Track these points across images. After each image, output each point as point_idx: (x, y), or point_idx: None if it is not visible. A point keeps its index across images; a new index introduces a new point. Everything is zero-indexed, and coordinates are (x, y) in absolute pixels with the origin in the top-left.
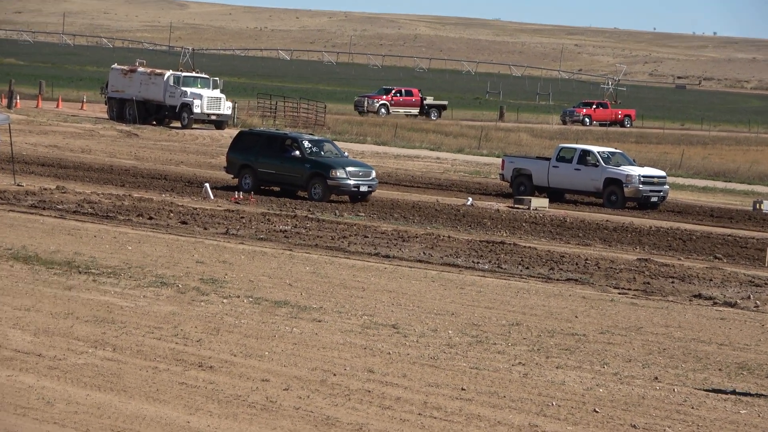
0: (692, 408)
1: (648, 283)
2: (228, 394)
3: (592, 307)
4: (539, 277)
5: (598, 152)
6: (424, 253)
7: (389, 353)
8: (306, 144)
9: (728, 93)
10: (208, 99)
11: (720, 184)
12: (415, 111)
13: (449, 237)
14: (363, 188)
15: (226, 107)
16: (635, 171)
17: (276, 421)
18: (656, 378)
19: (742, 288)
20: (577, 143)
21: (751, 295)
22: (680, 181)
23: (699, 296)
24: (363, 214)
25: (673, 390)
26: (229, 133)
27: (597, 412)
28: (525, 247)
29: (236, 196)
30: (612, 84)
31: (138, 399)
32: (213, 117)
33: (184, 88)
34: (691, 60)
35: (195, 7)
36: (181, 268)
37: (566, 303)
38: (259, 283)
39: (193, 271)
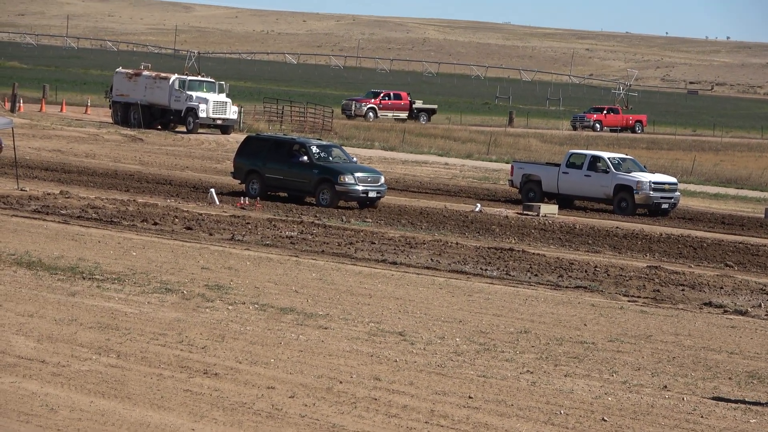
0: (701, 417)
1: (658, 290)
2: (233, 401)
3: (601, 314)
4: (548, 285)
5: (609, 158)
6: (431, 259)
7: (396, 361)
8: (314, 149)
9: (741, 99)
10: (214, 103)
11: (732, 191)
12: (404, 114)
13: (457, 243)
14: (372, 194)
15: (232, 112)
16: (646, 177)
17: (281, 429)
18: (665, 387)
19: (753, 296)
20: (587, 149)
21: (762, 304)
22: (691, 187)
23: (709, 304)
24: (370, 220)
25: (683, 399)
26: (235, 138)
27: (605, 420)
28: (534, 254)
29: (242, 201)
30: (623, 89)
31: (142, 406)
32: (219, 121)
33: (189, 92)
34: (704, 65)
35: (201, 10)
36: (186, 274)
37: (575, 311)
38: (265, 290)
39: (198, 277)
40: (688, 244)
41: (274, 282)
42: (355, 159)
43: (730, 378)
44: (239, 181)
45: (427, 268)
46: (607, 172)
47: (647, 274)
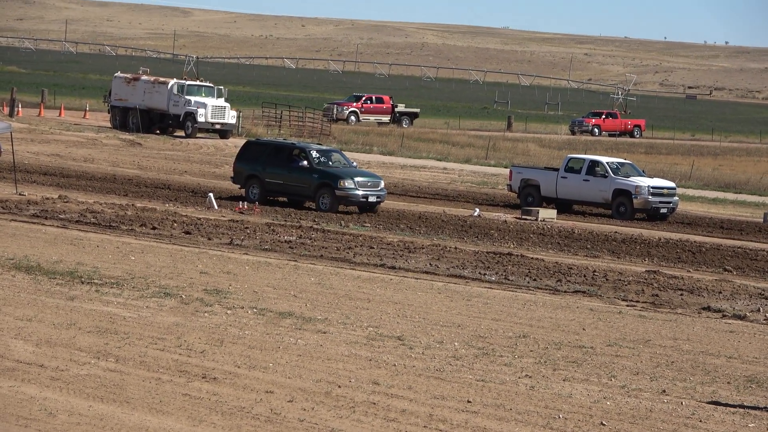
0: (700, 421)
1: (656, 295)
2: (232, 405)
3: (599, 319)
4: (547, 289)
5: (607, 163)
6: (430, 264)
7: (394, 365)
8: (314, 154)
9: (739, 103)
10: (213, 108)
11: (730, 196)
12: (386, 118)
13: (456, 248)
14: (372, 199)
15: (230, 116)
16: (645, 182)
17: None
18: (664, 391)
19: (751, 301)
20: (586, 154)
21: (761, 308)
22: (690, 192)
23: (708, 309)
24: (369, 225)
25: (681, 403)
26: (234, 143)
27: (604, 425)
28: (532, 258)
29: (240, 206)
30: (622, 94)
31: (141, 410)
32: (217, 126)
33: (188, 97)
34: (702, 70)
35: (199, 15)
36: (185, 278)
37: (574, 315)
38: (264, 294)
39: (197, 281)
40: (686, 248)
41: (272, 286)
42: (355, 164)
43: (728, 382)
44: (239, 186)
45: (426, 272)
46: (605, 177)
47: (646, 279)
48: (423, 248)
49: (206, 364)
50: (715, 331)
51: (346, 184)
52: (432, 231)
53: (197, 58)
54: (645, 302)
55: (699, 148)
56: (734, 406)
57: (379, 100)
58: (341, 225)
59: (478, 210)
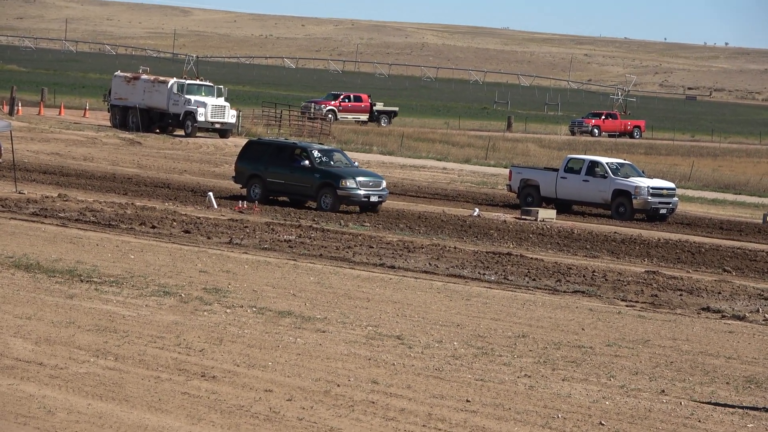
0: (699, 422)
1: (656, 295)
2: (231, 404)
3: (599, 319)
4: (546, 289)
5: (607, 163)
6: (429, 263)
7: (394, 364)
8: (316, 154)
9: (739, 104)
10: (212, 107)
11: (730, 197)
12: (365, 117)
13: (455, 248)
14: (373, 198)
15: (230, 116)
16: (644, 183)
17: None
18: (663, 391)
19: (751, 301)
20: (585, 154)
21: (760, 309)
22: (690, 193)
23: (707, 309)
24: (368, 225)
25: (680, 403)
26: (234, 142)
27: (603, 425)
28: (532, 258)
29: (240, 205)
30: (621, 94)
31: (140, 409)
32: (217, 125)
33: (188, 96)
34: (702, 71)
35: (199, 14)
36: (184, 277)
37: (573, 315)
38: (263, 293)
39: (196, 280)
40: (686, 249)
41: (272, 285)
42: (356, 163)
43: (727, 383)
44: (240, 186)
45: (425, 272)
46: (605, 177)
47: (645, 279)
48: (422, 248)
49: (205, 362)
50: (714, 332)
51: (348, 183)
52: (431, 231)
53: (197, 57)
54: (644, 302)
55: (699, 149)
56: (733, 407)
57: (358, 99)
58: (341, 224)
59: (477, 210)
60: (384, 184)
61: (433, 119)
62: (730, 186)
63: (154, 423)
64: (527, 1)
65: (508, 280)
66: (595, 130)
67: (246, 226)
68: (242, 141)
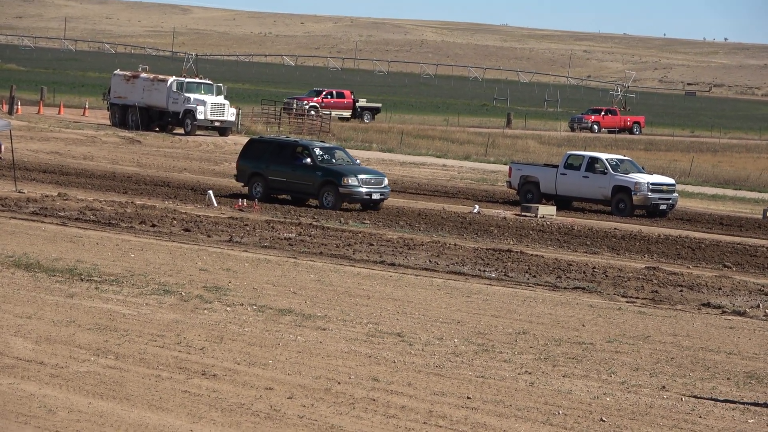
0: (700, 417)
1: (656, 291)
2: (231, 402)
3: (599, 315)
4: (546, 286)
5: (607, 159)
6: (430, 261)
7: (394, 362)
8: (317, 151)
9: (739, 100)
10: (212, 105)
11: (730, 192)
12: (347, 113)
13: (455, 245)
14: (375, 196)
15: (229, 114)
16: (644, 178)
17: (280, 430)
18: (664, 387)
19: (751, 297)
20: (585, 150)
21: (761, 304)
22: (689, 188)
23: (708, 305)
24: (368, 222)
25: (681, 399)
26: (233, 140)
27: (604, 421)
28: (532, 255)
29: (240, 203)
30: (621, 90)
31: (140, 407)
32: (216, 123)
33: (187, 95)
34: (702, 66)
35: (199, 12)
36: (185, 275)
37: (573, 311)
38: (263, 291)
39: (197, 278)
40: (686, 245)
41: (272, 283)
42: (358, 161)
43: (728, 378)
44: (242, 184)
45: (426, 269)
46: (605, 174)
47: (645, 275)
48: (423, 245)
49: (206, 361)
50: (714, 328)
51: (350, 181)
52: (431, 228)
53: (196, 55)
54: (645, 298)
55: (698, 144)
56: (734, 402)
57: (340, 95)
58: (341, 222)
59: (477, 207)
60: (386, 181)
61: (433, 116)
62: (730, 181)
63: (154, 421)
64: None
65: (508, 276)
66: (595, 127)
67: (246, 224)
68: (242, 139)
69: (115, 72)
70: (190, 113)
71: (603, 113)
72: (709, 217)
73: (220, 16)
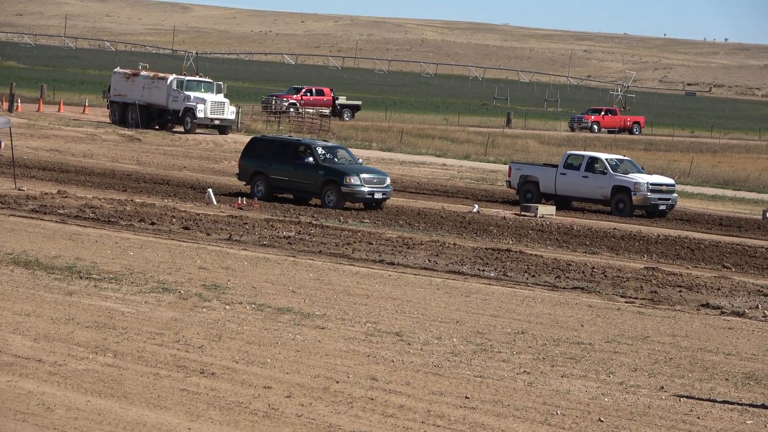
0: (698, 418)
1: (655, 292)
2: (230, 401)
3: (598, 315)
4: (545, 286)
5: (606, 159)
6: (429, 260)
7: (393, 361)
8: (320, 150)
9: (739, 100)
10: (212, 103)
11: (729, 193)
12: (327, 111)
13: (455, 244)
14: (377, 195)
15: (229, 112)
16: (644, 179)
17: (278, 429)
18: (662, 388)
19: (750, 298)
20: (585, 150)
21: (760, 305)
22: (689, 189)
23: (707, 305)
24: (367, 221)
25: (679, 400)
26: (233, 138)
27: (602, 421)
28: (531, 254)
29: (239, 201)
30: (621, 90)
31: (139, 405)
32: (216, 122)
33: (187, 93)
34: (702, 66)
35: (199, 11)
36: (184, 274)
37: (572, 311)
38: (262, 290)
39: (196, 277)
40: (685, 245)
41: (271, 282)
42: (360, 160)
43: (726, 379)
44: (244, 183)
45: (425, 268)
46: (604, 174)
47: (644, 276)
48: (422, 244)
49: (204, 359)
50: (713, 328)
51: (352, 180)
52: (431, 227)
53: (197, 53)
54: (644, 299)
55: (698, 145)
56: (732, 403)
57: (320, 93)
58: (340, 221)
59: (477, 206)
60: (388, 181)
61: (433, 115)
62: (729, 182)
63: (152, 420)
64: None
65: (507, 276)
66: (595, 126)
67: (245, 223)
68: (242, 137)
69: (115, 70)
70: (190, 111)
71: (603, 113)
72: (708, 218)
73: (221, 15)
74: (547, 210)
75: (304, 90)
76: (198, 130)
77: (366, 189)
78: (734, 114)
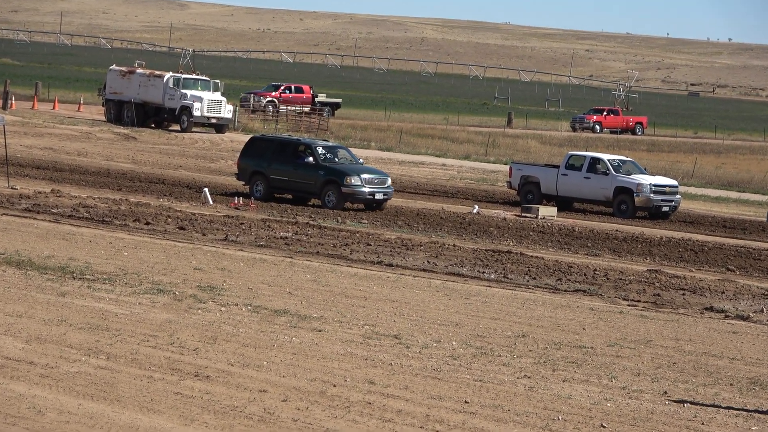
0: (702, 424)
1: (658, 295)
2: (224, 405)
3: (600, 319)
4: (546, 288)
5: (609, 160)
6: (428, 261)
7: (391, 364)
8: (320, 150)
9: (743, 101)
10: (209, 102)
11: (733, 194)
12: (306, 109)
13: (454, 245)
14: (378, 196)
15: (226, 110)
16: (646, 180)
17: None
18: (665, 393)
19: (755, 301)
20: (587, 151)
21: (764, 309)
22: (692, 190)
23: (710, 309)
24: (366, 222)
25: (683, 405)
26: (230, 137)
27: (604, 427)
28: (532, 256)
29: (236, 201)
30: (623, 90)
31: (132, 409)
32: (213, 120)
33: (183, 91)
34: (705, 67)
35: (196, 8)
36: (179, 274)
37: (574, 314)
38: (258, 291)
39: (191, 278)
40: (689, 247)
41: (267, 283)
42: (361, 160)
43: (731, 384)
44: (243, 183)
45: (424, 270)
46: (606, 174)
47: (647, 278)
48: (421, 245)
49: (199, 362)
50: (717, 332)
51: (353, 181)
52: (430, 228)
53: (193, 51)
54: (646, 302)
55: (702, 145)
56: (737, 409)
57: (299, 90)
58: (338, 221)
59: (477, 207)
60: (389, 181)
61: (432, 115)
62: (733, 183)
63: (146, 423)
64: None
65: (507, 278)
66: (597, 127)
67: (242, 223)
68: (238, 136)
69: (111, 67)
70: (187, 110)
71: (605, 113)
72: (712, 220)
73: (218, 12)
74: (548, 211)
75: (282, 87)
76: (194, 129)
77: (367, 189)
78: (738, 115)
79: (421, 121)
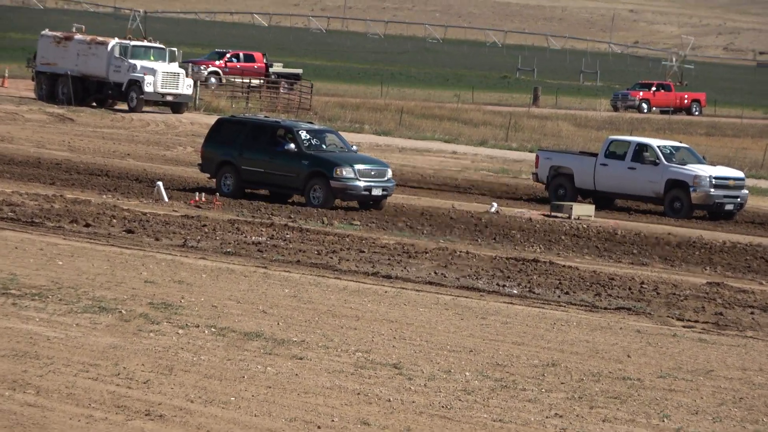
0: None
1: (721, 313)
2: None
3: (648, 343)
4: (582, 305)
5: (659, 147)
6: (435, 272)
7: (389, 400)
8: (303, 135)
9: None
10: (163, 75)
11: None
12: (256, 82)
13: (467, 253)
14: (376, 191)
15: (185, 86)
16: (705, 171)
17: None
18: None
19: None
20: (631, 135)
21: None
22: (763, 184)
23: None
24: (358, 223)
25: None
26: (189, 119)
27: None
28: (564, 266)
29: (197, 198)
30: (677, 60)
31: None
32: (169, 98)
33: (132, 61)
34: None
35: None
36: (126, 289)
37: (616, 338)
38: (225, 310)
39: (141, 293)
40: (758, 255)
41: (236, 300)
42: (355, 147)
43: None
44: (209, 176)
45: (430, 283)
46: (656, 165)
47: (707, 293)
48: (426, 253)
49: (151, 397)
50: None
51: (344, 173)
52: (438, 231)
53: (145, 12)
54: (706, 322)
55: None
56: None
57: (249, 58)
58: (323, 222)
59: (495, 205)
60: (389, 173)
61: (441, 91)
62: None
63: None
64: None
65: (534, 293)
66: (644, 105)
67: (204, 225)
68: (199, 117)
69: (43, 33)
70: (136, 84)
71: (654, 89)
72: None
73: None
74: (584, 210)
75: (229, 55)
76: (145, 108)
77: (362, 183)
78: None
79: (427, 98)
